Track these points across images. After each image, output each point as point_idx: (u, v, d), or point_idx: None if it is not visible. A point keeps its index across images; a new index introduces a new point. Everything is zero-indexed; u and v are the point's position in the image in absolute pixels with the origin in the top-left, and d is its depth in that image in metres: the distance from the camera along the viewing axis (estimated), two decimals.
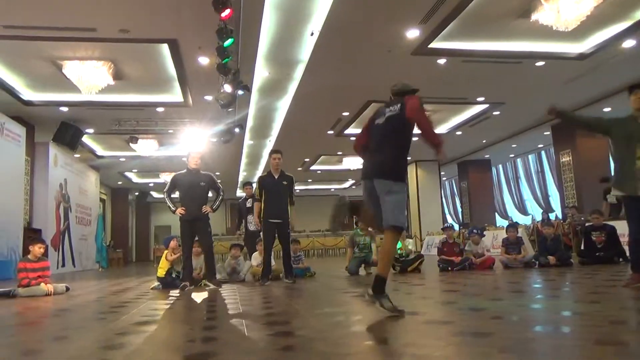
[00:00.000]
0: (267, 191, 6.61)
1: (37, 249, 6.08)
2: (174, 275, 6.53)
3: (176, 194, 6.40)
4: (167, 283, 6.38)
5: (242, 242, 8.53)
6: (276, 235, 6.62)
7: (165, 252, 6.67)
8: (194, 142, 12.82)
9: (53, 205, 12.91)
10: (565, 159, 13.89)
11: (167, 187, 6.39)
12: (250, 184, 8.64)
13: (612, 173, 4.51)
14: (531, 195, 19.82)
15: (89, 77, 8.79)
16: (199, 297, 5.14)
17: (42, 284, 5.86)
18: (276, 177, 6.68)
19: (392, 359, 2.15)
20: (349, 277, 7.25)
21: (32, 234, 10.79)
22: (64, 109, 11.11)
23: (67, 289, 6.12)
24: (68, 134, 11.90)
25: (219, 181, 6.60)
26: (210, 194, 6.42)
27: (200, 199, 6.23)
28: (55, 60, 8.65)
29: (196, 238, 6.33)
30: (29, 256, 6.07)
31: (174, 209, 6.21)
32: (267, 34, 7.96)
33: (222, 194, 6.44)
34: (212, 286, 6.12)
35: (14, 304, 5.07)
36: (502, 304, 3.79)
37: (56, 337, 2.98)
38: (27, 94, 10.24)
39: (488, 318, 3.02)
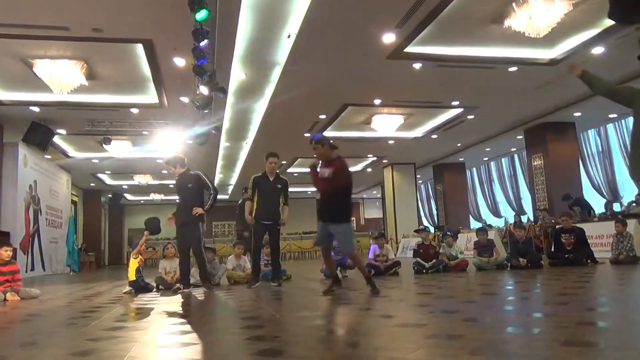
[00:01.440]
0: (260, 192, 6.60)
1: (3, 252, 5.92)
2: (146, 281, 6.47)
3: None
4: (139, 287, 6.30)
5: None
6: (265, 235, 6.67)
7: (132, 253, 6.64)
8: (168, 143, 12.67)
9: (22, 207, 12.58)
10: (537, 162, 14.19)
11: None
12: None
13: (628, 158, 4.19)
14: (504, 198, 20.18)
15: (61, 77, 8.59)
16: (172, 301, 5.08)
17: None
18: (271, 179, 6.66)
19: None
20: (324, 279, 7.26)
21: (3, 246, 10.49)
22: (35, 108, 10.85)
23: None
24: (38, 135, 11.62)
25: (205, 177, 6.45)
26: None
27: (188, 202, 6.17)
28: (25, 58, 8.43)
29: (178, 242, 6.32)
30: None
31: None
32: (243, 35, 7.92)
33: (213, 191, 6.34)
34: (185, 290, 6.06)
35: None
36: (474, 306, 3.85)
37: (24, 343, 2.91)
38: None
39: (460, 320, 3.07)
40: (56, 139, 13.16)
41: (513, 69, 9.64)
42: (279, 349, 2.44)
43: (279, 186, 6.70)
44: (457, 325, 2.90)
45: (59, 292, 7.10)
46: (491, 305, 3.96)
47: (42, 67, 8.50)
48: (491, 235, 10.32)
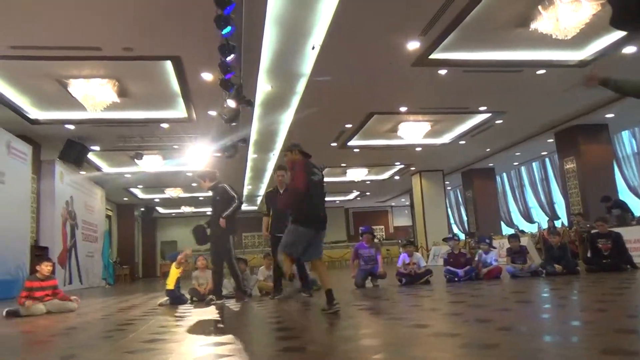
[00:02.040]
0: (273, 206, 6.68)
1: (44, 268, 6.11)
2: (181, 292, 6.62)
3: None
4: (175, 297, 6.45)
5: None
6: None
7: (173, 263, 6.78)
8: (198, 157, 12.89)
9: (59, 222, 12.98)
10: (570, 165, 13.86)
11: None
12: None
13: None
14: (536, 202, 19.75)
15: (94, 95, 8.87)
16: (206, 313, 5.15)
17: (41, 304, 5.87)
18: (281, 192, 6.71)
19: None
20: (355, 289, 7.24)
21: (39, 252, 10.84)
22: (70, 126, 11.22)
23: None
24: (74, 152, 11.99)
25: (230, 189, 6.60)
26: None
27: (216, 215, 6.30)
28: (60, 78, 8.75)
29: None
30: (37, 275, 6.10)
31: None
32: (268, 48, 8.03)
33: (235, 201, 6.44)
34: (218, 302, 6.14)
35: (22, 322, 5.09)
36: (509, 314, 3.78)
37: (64, 356, 2.99)
38: (33, 112, 10.35)
39: (495, 329, 3.02)
40: (90, 156, 13.55)
41: (541, 71, 9.48)
42: None
43: None
44: (491, 335, 2.85)
45: (95, 305, 7.28)
46: (526, 313, 3.89)
47: (77, 87, 8.80)
48: (524, 241, 10.12)
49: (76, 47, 7.56)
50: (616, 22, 2.68)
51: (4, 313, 5.69)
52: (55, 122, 10.84)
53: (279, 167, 6.90)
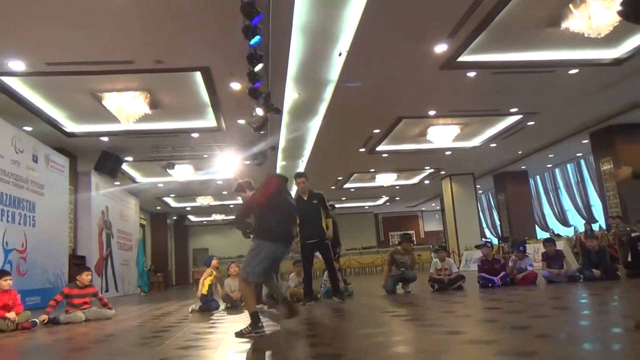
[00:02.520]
0: (299, 214, 6.67)
1: (84, 277, 6.30)
2: (214, 297, 6.73)
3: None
4: (207, 302, 6.58)
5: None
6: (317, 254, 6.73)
7: (207, 268, 6.93)
8: (228, 165, 13.06)
9: (96, 231, 13.33)
10: (606, 167, 13.44)
11: None
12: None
13: None
14: (572, 205, 19.22)
15: (127, 107, 9.11)
16: (239, 319, 5.19)
17: (80, 312, 6.03)
18: (305, 198, 6.73)
19: None
20: (386, 295, 7.18)
21: (77, 261, 11.17)
22: (104, 138, 11.54)
23: (35, 323, 5.63)
24: (108, 163, 12.32)
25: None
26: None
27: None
28: (95, 92, 9.02)
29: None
30: (77, 282, 6.29)
31: None
32: (295, 56, 8.10)
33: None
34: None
35: (62, 330, 5.24)
36: (546, 321, 3.69)
37: None
38: (70, 125, 10.69)
39: (532, 336, 2.95)
40: (124, 166, 13.90)
41: (574, 71, 9.26)
42: None
43: (315, 202, 6.70)
44: (529, 342, 2.79)
45: (131, 312, 7.43)
46: (565, 319, 3.78)
47: (110, 100, 9.06)
48: (560, 245, 9.86)
49: (109, 62, 7.79)
50: (629, 14, 2.63)
51: (44, 321, 5.86)
52: (90, 134, 11.17)
53: (299, 174, 6.88)
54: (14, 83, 8.42)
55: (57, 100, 9.40)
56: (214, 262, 7.04)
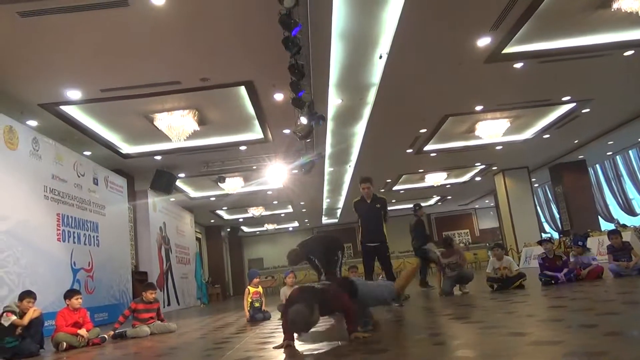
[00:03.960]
0: (361, 216, 6.76)
1: (149, 295, 6.56)
2: (263, 310, 6.81)
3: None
4: (251, 316, 6.72)
5: None
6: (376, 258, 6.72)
7: (249, 287, 6.98)
8: (277, 175, 13.26)
9: (156, 247, 13.84)
10: None
11: None
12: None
13: None
14: (637, 193, 18.19)
15: (177, 126, 9.43)
16: None
17: (146, 326, 6.27)
18: (369, 201, 6.77)
19: None
20: (442, 298, 7.04)
21: (139, 277, 11.62)
22: (158, 157, 11.98)
23: (104, 339, 5.93)
24: (163, 180, 12.79)
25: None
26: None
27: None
28: (147, 114, 9.40)
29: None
30: (143, 298, 6.55)
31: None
32: (336, 63, 8.13)
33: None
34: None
35: (128, 344, 5.46)
36: (616, 318, 3.50)
37: None
38: (125, 147, 11.19)
39: (601, 335, 2.80)
40: (178, 183, 14.37)
41: (629, 52, 8.79)
42: None
43: (378, 206, 6.79)
44: (598, 341, 2.65)
45: (193, 325, 7.64)
46: (637, 315, 3.58)
47: (161, 120, 9.41)
48: (627, 236, 9.35)
49: (158, 84, 8.11)
50: None
51: (112, 335, 6.14)
52: (144, 154, 11.63)
53: (364, 179, 6.91)
54: (72, 111, 8.91)
55: (112, 124, 9.86)
56: (256, 280, 7.11)
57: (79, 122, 9.31)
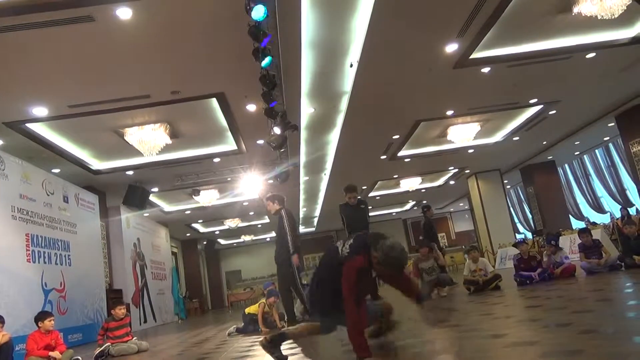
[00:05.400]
0: (347, 217, 6.84)
1: (118, 311, 6.43)
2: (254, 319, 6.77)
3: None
4: (246, 323, 6.68)
5: None
6: None
7: (262, 301, 6.94)
8: (251, 186, 13.17)
9: (130, 264, 13.55)
10: (637, 148, 13.06)
11: None
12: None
13: None
14: (605, 191, 18.71)
15: (149, 140, 9.27)
16: None
17: (133, 344, 6.14)
18: (353, 205, 6.97)
19: None
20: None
21: (114, 295, 11.35)
22: (130, 172, 11.76)
23: None
24: (136, 195, 12.55)
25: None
26: None
27: (280, 244, 6.69)
28: (116, 129, 9.23)
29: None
30: (114, 316, 6.42)
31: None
32: (307, 72, 8.15)
33: (292, 233, 6.67)
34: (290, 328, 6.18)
35: None
36: (590, 315, 3.57)
37: None
38: (95, 163, 10.95)
39: (576, 333, 2.85)
40: (151, 197, 14.12)
41: (591, 55, 9.06)
42: None
43: (362, 206, 7.03)
44: (574, 339, 2.70)
45: (170, 341, 7.49)
46: (610, 312, 3.66)
47: (132, 135, 9.24)
48: (597, 234, 9.59)
49: (127, 98, 7.98)
50: None
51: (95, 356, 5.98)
52: (116, 170, 11.41)
53: (350, 189, 7.02)
54: (39, 128, 8.69)
55: (82, 140, 9.64)
56: (271, 299, 6.98)
57: (46, 139, 9.08)
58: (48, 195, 9.24)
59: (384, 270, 3.09)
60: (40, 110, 7.90)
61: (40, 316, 5.79)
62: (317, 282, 3.36)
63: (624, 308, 3.84)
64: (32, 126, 8.49)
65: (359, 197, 7.19)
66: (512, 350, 2.72)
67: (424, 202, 9.50)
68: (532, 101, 11.42)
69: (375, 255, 3.01)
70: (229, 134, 10.31)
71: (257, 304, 6.93)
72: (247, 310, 6.96)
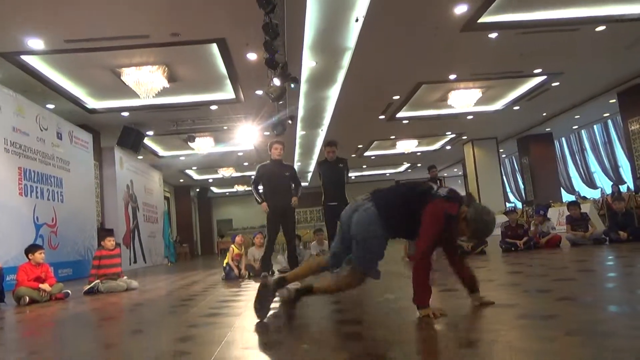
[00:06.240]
0: (325, 176, 6.79)
1: (107, 243, 6.53)
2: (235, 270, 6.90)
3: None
4: (226, 272, 6.84)
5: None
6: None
7: (232, 246, 7.08)
8: (248, 136, 13.11)
9: (122, 205, 13.63)
10: (635, 126, 13.06)
11: (254, 178, 6.61)
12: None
13: None
14: (599, 167, 18.81)
15: (146, 82, 9.15)
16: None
17: (122, 282, 6.25)
18: (332, 162, 6.86)
19: (455, 345, 2.14)
20: (409, 262, 7.21)
21: (105, 234, 11.46)
22: (125, 114, 11.66)
23: (68, 294, 5.78)
24: (130, 138, 12.48)
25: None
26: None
27: (286, 190, 6.44)
28: (113, 68, 9.07)
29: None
30: (103, 247, 6.54)
31: (260, 200, 6.44)
32: (311, 24, 7.97)
33: (300, 185, 6.73)
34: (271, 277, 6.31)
35: (94, 300, 5.43)
36: (570, 284, 3.66)
37: (134, 331, 3.18)
38: (91, 102, 10.82)
39: (555, 299, 2.93)
40: (146, 141, 14.06)
41: (600, 28, 8.90)
42: (367, 333, 2.48)
43: (341, 165, 6.84)
44: (551, 305, 2.78)
45: (159, 282, 7.64)
46: (590, 282, 3.75)
47: (129, 75, 9.10)
48: (586, 208, 9.70)
49: (126, 37, 7.80)
50: None
51: (84, 291, 6.11)
52: (111, 110, 11.30)
53: (329, 143, 6.93)
54: (34, 62, 8.52)
55: (78, 77, 9.49)
56: (238, 238, 7.22)
57: (41, 73, 8.92)
58: (42, 130, 9.17)
59: (465, 230, 2.79)
60: (36, 43, 7.72)
61: (31, 248, 5.85)
62: (385, 207, 2.84)
63: (604, 279, 3.94)
64: (27, 59, 8.33)
65: (345, 158, 7.00)
66: (490, 310, 2.79)
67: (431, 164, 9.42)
68: (536, 71, 11.29)
69: (464, 210, 2.71)
70: (228, 82, 10.17)
71: (228, 255, 7.08)
72: (224, 262, 7.10)
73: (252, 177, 6.66)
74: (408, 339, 2.31)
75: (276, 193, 6.40)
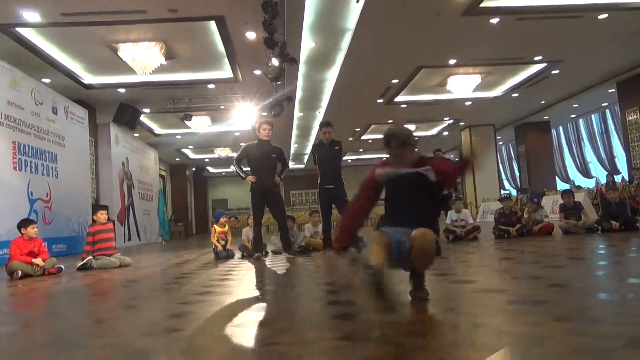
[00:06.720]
0: (320, 159, 6.75)
1: (100, 216, 6.50)
2: (228, 249, 6.90)
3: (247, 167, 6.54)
4: (215, 253, 6.82)
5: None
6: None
7: (215, 226, 7.05)
8: (245, 117, 13.04)
9: (117, 182, 13.60)
10: (632, 117, 13.06)
11: (237, 156, 6.54)
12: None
13: None
14: (595, 157, 18.86)
15: (143, 58, 9.06)
16: (254, 267, 5.32)
17: (114, 258, 6.26)
18: (327, 144, 6.81)
19: (443, 328, 2.16)
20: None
21: (98, 208, 11.45)
22: (122, 90, 11.55)
23: (61, 269, 5.81)
24: (127, 114, 12.40)
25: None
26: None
27: (271, 170, 6.40)
28: (110, 43, 8.96)
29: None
30: (96, 221, 6.52)
31: (244, 175, 6.38)
32: (311, 4, 7.87)
33: (287, 167, 6.69)
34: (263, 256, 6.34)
35: (87, 275, 5.44)
36: (561, 271, 3.69)
37: (126, 307, 3.20)
38: (87, 77, 10.71)
39: (545, 286, 2.96)
40: (142, 118, 13.97)
41: (603, 16, 8.84)
42: (359, 315, 2.50)
43: (337, 148, 6.81)
44: (541, 291, 2.80)
45: (153, 260, 7.66)
46: (580, 270, 3.78)
47: (126, 51, 9.00)
48: (580, 197, 9.76)
49: (123, 11, 7.69)
50: None
51: (78, 267, 6.10)
52: (107, 86, 11.19)
53: (325, 123, 6.88)
54: (30, 34, 8.40)
55: (74, 52, 9.37)
56: (222, 219, 7.18)
57: (37, 46, 8.81)
58: (37, 104, 9.09)
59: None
60: (32, 15, 7.61)
61: (23, 223, 5.84)
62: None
63: (595, 267, 3.97)
64: (22, 31, 8.22)
65: (336, 139, 6.95)
66: (480, 295, 2.82)
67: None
68: (536, 58, 11.23)
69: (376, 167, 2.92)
70: (226, 60, 10.08)
71: (213, 237, 7.04)
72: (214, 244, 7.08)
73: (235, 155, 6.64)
74: (398, 321, 2.32)
75: (259, 171, 6.34)
